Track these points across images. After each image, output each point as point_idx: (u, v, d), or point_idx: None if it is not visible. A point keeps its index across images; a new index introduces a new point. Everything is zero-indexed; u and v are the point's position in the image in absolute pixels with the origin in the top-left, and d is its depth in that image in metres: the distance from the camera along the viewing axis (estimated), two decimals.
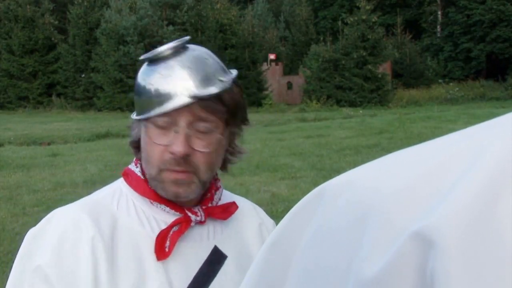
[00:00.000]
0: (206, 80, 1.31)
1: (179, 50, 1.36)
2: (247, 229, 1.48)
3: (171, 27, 30.85)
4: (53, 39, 34.97)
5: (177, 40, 1.37)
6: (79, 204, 1.37)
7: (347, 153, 12.60)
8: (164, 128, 1.31)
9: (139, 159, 1.44)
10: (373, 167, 0.61)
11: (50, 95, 33.38)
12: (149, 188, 1.38)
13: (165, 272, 1.30)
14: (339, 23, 33.88)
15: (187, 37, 1.42)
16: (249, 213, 1.52)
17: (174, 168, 1.31)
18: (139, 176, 1.41)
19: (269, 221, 1.56)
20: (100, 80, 30.48)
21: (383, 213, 0.53)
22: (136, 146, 1.44)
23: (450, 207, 0.48)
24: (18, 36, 33.50)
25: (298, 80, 35.78)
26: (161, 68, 1.34)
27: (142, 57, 1.41)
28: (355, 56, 30.87)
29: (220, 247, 1.38)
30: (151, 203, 1.38)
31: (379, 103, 30.60)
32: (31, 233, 1.32)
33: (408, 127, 17.23)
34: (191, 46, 1.39)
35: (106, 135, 17.57)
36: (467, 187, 0.48)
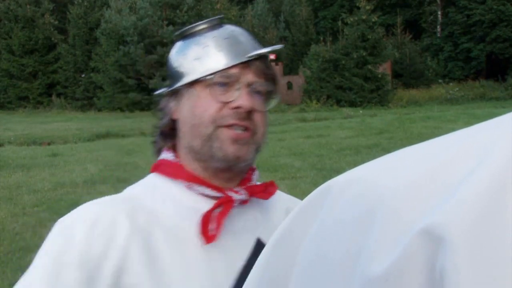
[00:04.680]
0: (252, 46, 1.35)
1: (214, 26, 1.39)
2: (279, 216, 1.40)
3: (171, 27, 30.89)
4: (53, 39, 35.05)
5: (210, 19, 1.41)
6: (111, 199, 1.32)
7: (347, 153, 12.66)
8: (224, 85, 1.30)
9: (171, 146, 1.40)
10: (380, 164, 0.60)
11: (50, 95, 33.46)
12: (185, 171, 1.34)
13: (209, 261, 1.25)
14: (339, 23, 33.91)
15: (221, 16, 1.47)
16: (276, 198, 1.44)
17: (235, 122, 1.29)
18: (172, 161, 1.36)
19: (296, 200, 1.52)
20: (100, 80, 30.53)
21: (390, 209, 0.52)
22: (170, 129, 1.39)
23: (458, 203, 0.47)
24: (18, 36, 33.59)
25: (298, 80, 35.81)
26: (210, 35, 1.37)
27: (178, 32, 1.43)
28: (355, 56, 30.87)
29: (262, 238, 1.33)
30: (189, 187, 1.33)
31: (379, 103, 30.64)
32: (60, 222, 1.25)
33: (408, 127, 17.30)
34: (225, 24, 1.43)
35: (106, 135, 17.61)
36: (475, 183, 0.47)
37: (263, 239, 1.30)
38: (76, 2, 34.55)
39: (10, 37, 33.94)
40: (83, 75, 32.64)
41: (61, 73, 33.72)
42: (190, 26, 1.41)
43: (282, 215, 1.38)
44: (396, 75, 38.26)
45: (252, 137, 1.30)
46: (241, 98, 1.28)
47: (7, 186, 9.58)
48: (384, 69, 33.65)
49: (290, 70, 41.11)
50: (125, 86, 29.62)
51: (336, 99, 30.60)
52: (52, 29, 35.54)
